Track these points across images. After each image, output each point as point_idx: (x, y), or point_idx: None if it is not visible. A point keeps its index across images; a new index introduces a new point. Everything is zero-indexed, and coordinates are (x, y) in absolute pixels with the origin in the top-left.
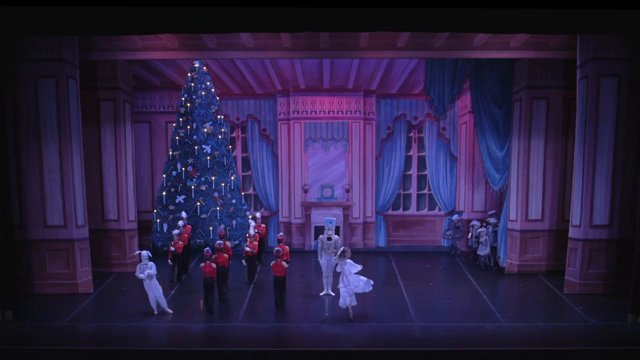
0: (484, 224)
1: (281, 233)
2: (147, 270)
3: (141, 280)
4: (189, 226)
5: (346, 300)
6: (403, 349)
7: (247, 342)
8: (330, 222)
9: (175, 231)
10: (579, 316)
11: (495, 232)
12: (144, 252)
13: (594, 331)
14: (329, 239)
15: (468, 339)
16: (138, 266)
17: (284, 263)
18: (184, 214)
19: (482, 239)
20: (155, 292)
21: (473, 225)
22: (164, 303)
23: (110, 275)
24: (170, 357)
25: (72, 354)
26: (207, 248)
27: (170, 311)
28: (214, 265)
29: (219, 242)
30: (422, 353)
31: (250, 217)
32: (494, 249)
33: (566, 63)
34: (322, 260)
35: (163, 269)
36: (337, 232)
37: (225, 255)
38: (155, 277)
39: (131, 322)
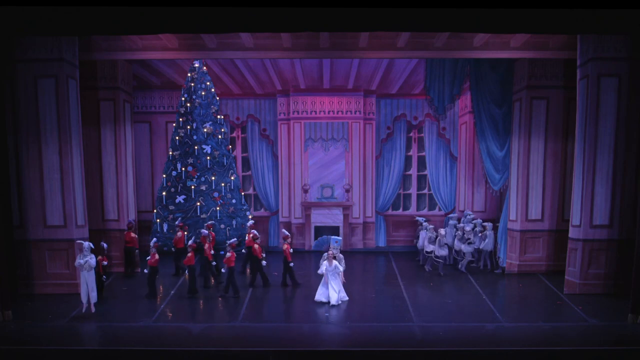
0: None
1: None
2: (86, 258)
3: (140, 280)
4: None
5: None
6: (403, 349)
7: (247, 342)
8: (336, 242)
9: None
10: (579, 316)
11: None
12: (86, 244)
13: (594, 331)
14: (335, 257)
15: (468, 339)
16: (78, 256)
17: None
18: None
19: (440, 240)
20: (89, 284)
21: (425, 226)
22: (94, 299)
23: (110, 275)
24: (170, 357)
25: (72, 354)
26: (193, 236)
27: (93, 309)
28: (189, 254)
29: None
30: (422, 353)
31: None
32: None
33: (566, 63)
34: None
35: (165, 268)
36: (337, 233)
37: (190, 255)
38: (93, 270)
39: (131, 322)
